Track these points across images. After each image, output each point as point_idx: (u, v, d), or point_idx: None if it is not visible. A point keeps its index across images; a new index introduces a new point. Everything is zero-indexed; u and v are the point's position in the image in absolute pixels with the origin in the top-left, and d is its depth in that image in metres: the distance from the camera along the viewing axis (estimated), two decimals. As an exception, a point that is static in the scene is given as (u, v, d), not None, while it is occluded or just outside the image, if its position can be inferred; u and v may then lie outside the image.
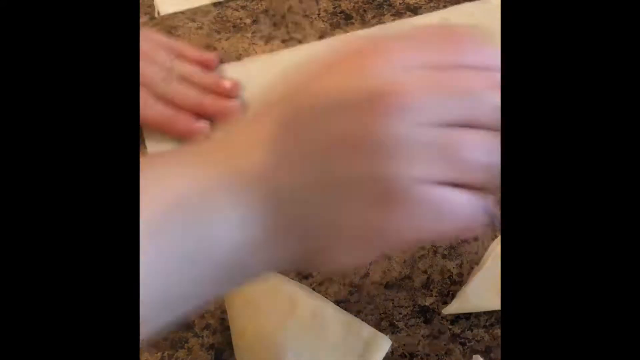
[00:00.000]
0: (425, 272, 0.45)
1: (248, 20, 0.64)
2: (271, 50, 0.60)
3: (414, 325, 0.42)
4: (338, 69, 0.28)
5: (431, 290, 0.44)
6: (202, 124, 0.50)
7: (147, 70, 0.50)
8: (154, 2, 0.66)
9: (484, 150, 0.27)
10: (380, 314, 0.43)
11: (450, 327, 0.42)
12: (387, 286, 0.44)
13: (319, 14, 0.64)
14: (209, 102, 0.51)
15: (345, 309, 0.42)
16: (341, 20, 0.63)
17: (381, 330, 0.41)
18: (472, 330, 0.42)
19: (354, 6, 0.64)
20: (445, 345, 0.41)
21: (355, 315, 0.42)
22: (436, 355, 0.41)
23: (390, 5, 0.64)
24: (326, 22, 0.63)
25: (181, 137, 0.51)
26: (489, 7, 0.63)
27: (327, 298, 0.43)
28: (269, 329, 0.39)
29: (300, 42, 0.61)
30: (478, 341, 0.41)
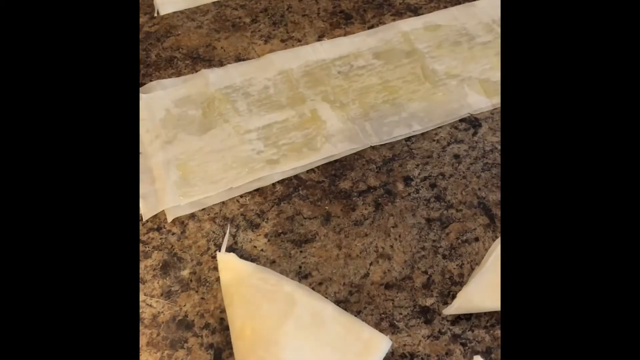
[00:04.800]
0: (425, 272, 0.45)
1: (247, 20, 0.63)
2: (271, 50, 0.60)
3: (414, 326, 0.42)
4: None
5: (432, 291, 0.44)
6: None
7: None
8: (154, 2, 0.66)
9: None
10: (380, 314, 0.43)
11: (450, 327, 0.42)
12: (387, 286, 0.44)
13: (318, 14, 0.64)
14: None
15: (345, 309, 0.42)
16: (341, 19, 0.63)
17: (381, 330, 0.41)
18: (472, 331, 0.42)
19: (353, 6, 0.64)
20: (445, 345, 0.41)
21: (355, 315, 0.42)
22: (437, 355, 0.41)
23: (390, 5, 0.64)
24: (326, 21, 0.63)
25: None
26: (474, 10, 0.64)
27: (327, 298, 0.43)
28: (268, 329, 0.39)
29: (299, 41, 0.61)
30: (479, 342, 0.41)
